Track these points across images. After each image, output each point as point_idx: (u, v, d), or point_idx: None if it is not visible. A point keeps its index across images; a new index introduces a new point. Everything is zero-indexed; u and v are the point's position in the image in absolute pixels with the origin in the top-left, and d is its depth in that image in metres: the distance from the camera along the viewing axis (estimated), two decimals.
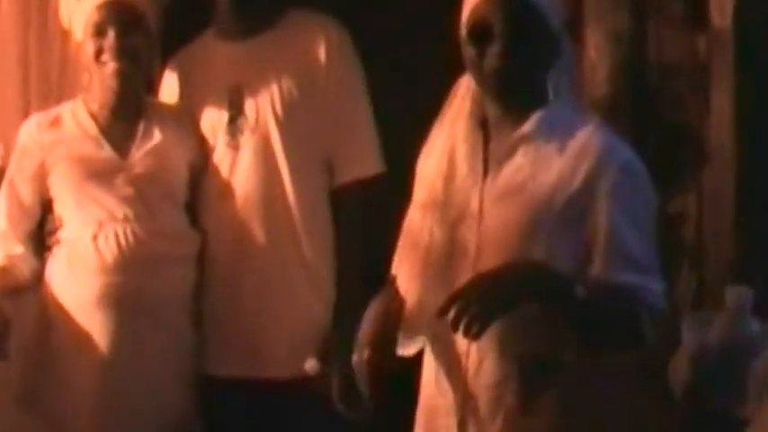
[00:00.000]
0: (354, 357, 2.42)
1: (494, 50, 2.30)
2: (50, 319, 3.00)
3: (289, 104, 3.02)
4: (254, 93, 3.04)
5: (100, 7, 3.00)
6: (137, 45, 3.01)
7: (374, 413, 2.88)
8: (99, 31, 3.00)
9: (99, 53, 3.01)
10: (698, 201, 3.38)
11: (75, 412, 2.94)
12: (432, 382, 2.46)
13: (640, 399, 2.23)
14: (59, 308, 2.97)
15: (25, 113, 3.93)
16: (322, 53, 3.04)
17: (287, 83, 3.02)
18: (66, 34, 3.89)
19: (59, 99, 3.78)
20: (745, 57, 3.13)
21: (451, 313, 2.11)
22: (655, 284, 2.28)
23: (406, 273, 2.44)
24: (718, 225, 3.15)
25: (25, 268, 3.05)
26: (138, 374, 2.96)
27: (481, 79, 2.36)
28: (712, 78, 3.25)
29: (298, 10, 3.15)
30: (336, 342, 2.93)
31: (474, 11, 2.35)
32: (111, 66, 2.99)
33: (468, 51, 2.36)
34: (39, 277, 3.06)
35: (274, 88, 3.03)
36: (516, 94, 2.35)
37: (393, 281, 2.44)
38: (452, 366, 2.38)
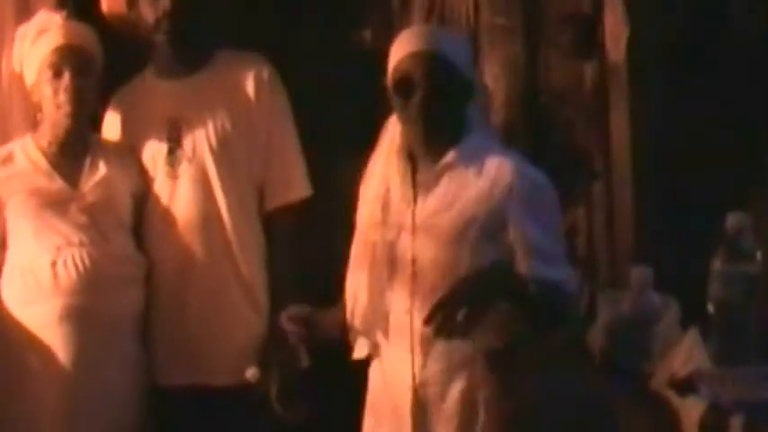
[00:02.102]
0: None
1: (415, 101, 2.65)
2: (9, 340, 3.13)
3: (222, 136, 3.21)
4: (190, 126, 3.23)
5: (56, 50, 3.16)
6: (87, 87, 3.18)
7: (311, 417, 3.17)
8: (56, 72, 3.12)
9: (56, 93, 3.13)
10: (588, 215, 3.69)
11: (39, 426, 3.09)
12: (379, 383, 2.77)
13: (575, 368, 2.56)
14: (18, 329, 3.11)
15: None
16: (251, 88, 3.24)
17: (220, 116, 3.22)
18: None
19: None
20: (637, 84, 3.49)
21: (438, 320, 2.41)
22: (569, 276, 2.64)
23: (355, 284, 2.75)
24: (620, 224, 3.50)
25: None
26: (96, 387, 3.11)
27: (406, 123, 2.70)
28: (610, 104, 3.59)
29: (229, 50, 3.36)
30: (272, 350, 3.12)
31: (397, 66, 2.69)
32: (65, 107, 3.14)
33: (395, 100, 2.70)
34: None
35: (209, 121, 3.22)
36: (436, 134, 2.69)
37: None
38: (402, 361, 2.68)
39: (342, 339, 2.79)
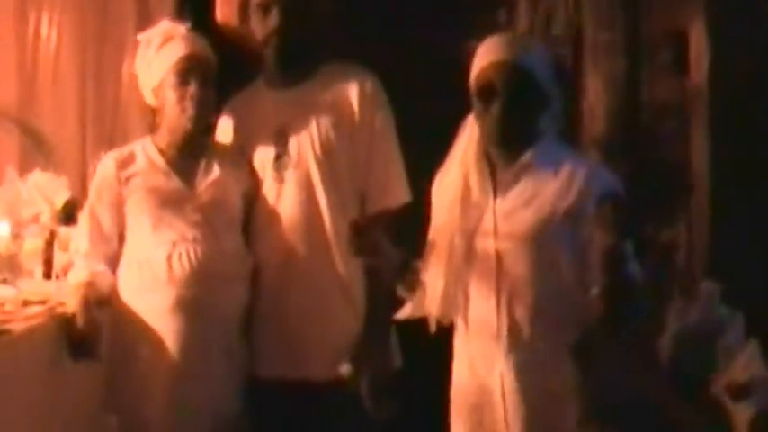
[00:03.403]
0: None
1: (495, 107, 2.79)
2: (124, 328, 3.28)
3: (325, 144, 3.32)
4: (295, 134, 3.34)
5: (183, 59, 3.26)
6: (209, 95, 3.33)
7: (400, 412, 3.29)
8: (182, 80, 3.26)
9: (181, 99, 3.27)
10: (687, 230, 3.73)
11: (147, 410, 3.22)
12: (465, 371, 2.90)
13: (638, 369, 2.64)
14: (132, 318, 3.26)
15: (83, 150, 4.36)
16: (355, 98, 3.35)
17: (324, 125, 3.33)
18: (118, 81, 4.34)
19: (112, 139, 4.21)
20: (719, 105, 3.54)
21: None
22: (638, 274, 2.64)
23: (433, 275, 2.90)
24: (699, 239, 3.55)
25: (106, 283, 3.32)
26: (199, 374, 3.23)
27: (485, 127, 2.83)
28: (692, 122, 3.64)
29: (334, 62, 3.45)
30: (365, 349, 3.27)
31: (480, 73, 2.83)
32: (189, 112, 3.29)
33: (476, 105, 2.84)
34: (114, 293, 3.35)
35: (313, 130, 3.33)
36: (513, 139, 2.83)
37: None
38: (488, 351, 2.82)
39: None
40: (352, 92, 3.36)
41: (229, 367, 3.28)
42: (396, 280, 3.02)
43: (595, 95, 3.90)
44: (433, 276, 2.92)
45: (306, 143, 3.33)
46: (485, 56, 2.85)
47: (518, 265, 2.77)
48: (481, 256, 2.83)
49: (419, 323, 3.11)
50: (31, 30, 4.37)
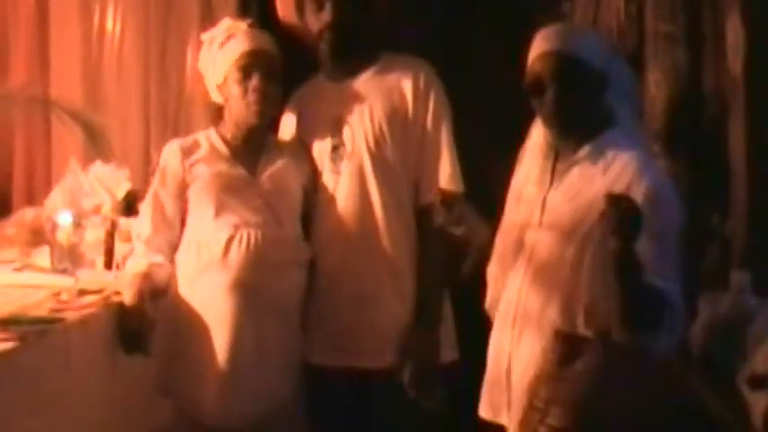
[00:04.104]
0: None
1: (547, 98, 2.79)
2: (180, 310, 3.33)
3: (378, 135, 3.37)
4: (350, 125, 3.37)
5: (246, 54, 3.32)
6: (273, 88, 3.33)
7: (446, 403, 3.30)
8: (245, 74, 3.31)
9: (245, 93, 3.32)
10: (749, 220, 3.67)
11: (201, 393, 3.27)
12: (492, 358, 2.95)
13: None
14: (188, 303, 3.31)
15: (146, 143, 4.44)
16: (408, 90, 3.39)
17: (377, 117, 3.37)
18: (181, 75, 4.40)
19: (176, 131, 4.27)
20: (755, 98, 3.50)
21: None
22: (676, 289, 2.67)
23: (492, 273, 2.96)
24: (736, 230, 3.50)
25: (163, 275, 3.38)
26: (256, 359, 3.28)
27: (542, 121, 2.87)
28: (730, 114, 3.60)
29: (390, 53, 3.50)
30: (414, 339, 3.31)
31: (529, 67, 2.85)
32: (253, 107, 3.31)
33: (532, 99, 2.85)
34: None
35: (366, 121, 3.35)
36: (571, 129, 2.82)
37: None
38: (504, 334, 2.88)
39: None
40: (407, 83, 3.39)
41: (284, 352, 3.33)
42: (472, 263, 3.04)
43: (656, 87, 3.86)
44: (490, 270, 2.97)
45: (360, 134, 3.37)
46: (533, 49, 2.86)
47: (546, 257, 2.78)
48: (525, 249, 2.85)
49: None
50: (95, 25, 4.45)
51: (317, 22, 3.39)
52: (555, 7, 4.09)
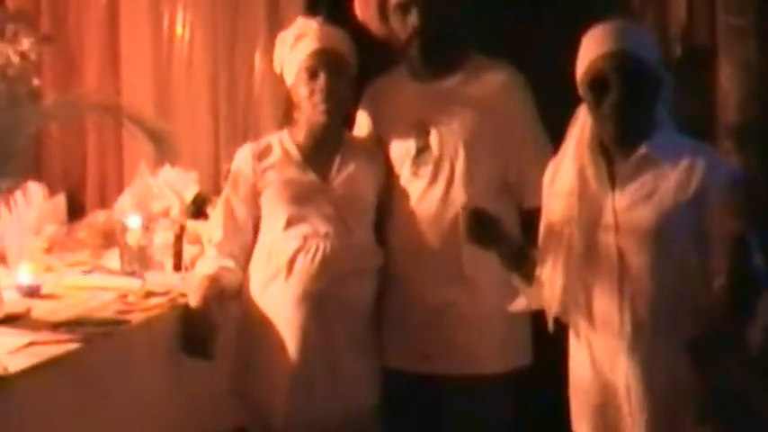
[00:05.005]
0: None
1: (610, 100, 2.71)
2: (253, 316, 3.33)
3: (468, 140, 3.28)
4: (438, 129, 3.28)
5: (312, 54, 3.27)
6: (341, 88, 3.28)
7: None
8: (312, 74, 3.26)
9: (312, 93, 3.27)
10: None
11: (273, 398, 3.27)
12: (585, 367, 2.84)
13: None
14: (259, 309, 3.31)
15: (216, 147, 4.47)
16: (499, 94, 3.30)
17: (467, 121, 3.29)
18: (250, 78, 4.43)
19: (245, 134, 4.31)
20: None
21: None
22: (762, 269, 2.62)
23: (550, 270, 2.84)
24: None
25: (233, 279, 3.38)
26: (325, 368, 3.26)
27: (599, 120, 2.76)
28: None
29: (478, 56, 3.42)
30: None
31: (591, 65, 2.74)
32: (320, 107, 3.26)
33: (588, 97, 2.76)
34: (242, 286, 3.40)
35: (456, 126, 3.26)
36: (629, 131, 2.75)
37: None
38: (613, 351, 2.77)
39: None
40: (497, 87, 3.32)
41: (358, 359, 3.31)
42: (511, 270, 2.98)
43: (728, 81, 3.79)
44: (551, 272, 2.85)
45: (448, 138, 3.30)
46: (595, 46, 2.76)
47: (640, 261, 2.71)
48: (602, 252, 2.77)
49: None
50: (165, 30, 4.50)
51: (403, 28, 3.31)
52: (625, 3, 4.03)
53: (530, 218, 3.17)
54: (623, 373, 2.74)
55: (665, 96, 2.79)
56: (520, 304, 2.99)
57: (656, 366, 2.70)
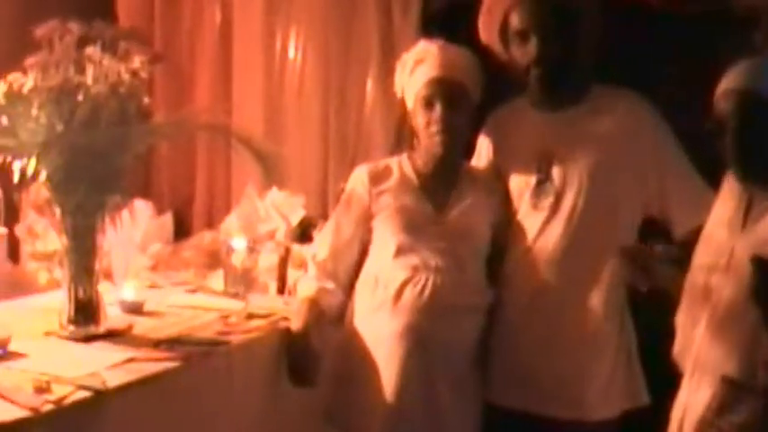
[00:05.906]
0: None
1: (728, 139, 2.59)
2: (354, 345, 3.27)
3: (594, 173, 3.15)
4: (561, 160, 3.15)
5: (429, 83, 3.19)
6: (460, 120, 3.19)
7: None
8: (427, 104, 3.19)
9: (428, 124, 3.20)
10: None
11: (369, 430, 3.19)
12: (674, 407, 2.76)
13: None
14: (361, 338, 3.25)
15: (324, 171, 4.43)
16: (630, 125, 3.15)
17: (594, 153, 3.16)
18: (361, 102, 4.37)
19: (354, 157, 4.24)
20: None
21: None
22: None
23: (683, 314, 2.75)
24: None
25: (332, 302, 3.33)
26: (424, 404, 3.17)
27: (728, 161, 2.66)
28: None
29: (601, 86, 3.29)
30: None
31: (714, 107, 2.63)
32: (436, 138, 3.19)
33: (717, 142, 2.65)
34: (344, 311, 3.34)
35: (581, 157, 3.13)
36: (754, 170, 2.62)
37: None
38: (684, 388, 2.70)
39: None
40: (626, 117, 3.18)
41: (459, 397, 3.21)
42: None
43: None
44: (678, 317, 2.76)
45: (572, 171, 3.16)
46: (720, 84, 2.68)
47: (727, 303, 2.60)
48: (711, 296, 2.66)
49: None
50: (277, 52, 4.49)
51: (522, 55, 3.19)
52: (746, 43, 3.89)
53: (638, 249, 2.99)
54: (683, 407, 2.68)
55: None
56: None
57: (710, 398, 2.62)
